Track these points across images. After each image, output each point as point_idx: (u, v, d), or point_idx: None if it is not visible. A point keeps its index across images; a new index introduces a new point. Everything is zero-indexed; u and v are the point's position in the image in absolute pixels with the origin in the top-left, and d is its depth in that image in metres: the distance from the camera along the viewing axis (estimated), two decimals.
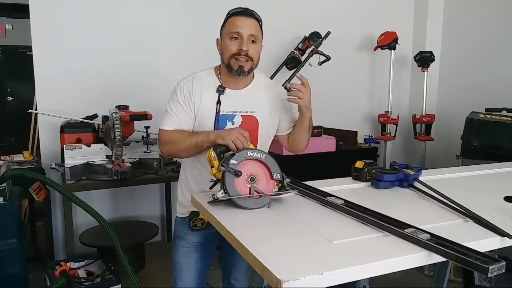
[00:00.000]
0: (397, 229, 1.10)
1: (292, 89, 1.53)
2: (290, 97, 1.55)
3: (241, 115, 1.60)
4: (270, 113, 1.66)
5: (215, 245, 1.77)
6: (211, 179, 1.45)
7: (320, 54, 3.43)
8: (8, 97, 6.04)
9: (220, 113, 1.58)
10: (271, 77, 3.24)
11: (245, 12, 1.55)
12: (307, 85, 1.54)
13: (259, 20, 1.58)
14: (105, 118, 2.71)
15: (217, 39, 1.63)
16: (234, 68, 1.54)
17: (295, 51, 3.52)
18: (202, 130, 1.58)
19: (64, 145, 2.60)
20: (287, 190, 1.41)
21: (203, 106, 1.58)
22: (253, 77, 1.66)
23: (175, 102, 1.59)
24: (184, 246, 1.70)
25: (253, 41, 1.54)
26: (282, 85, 2.47)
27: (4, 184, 2.14)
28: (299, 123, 1.68)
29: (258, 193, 1.34)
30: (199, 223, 1.54)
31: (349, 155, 3.13)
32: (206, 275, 1.79)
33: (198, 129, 1.60)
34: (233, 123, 1.59)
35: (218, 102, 1.57)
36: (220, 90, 1.58)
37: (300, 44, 3.54)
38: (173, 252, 1.75)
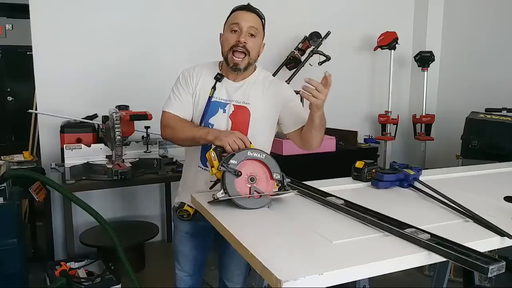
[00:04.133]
0: (397, 229, 1.10)
1: (309, 84, 1.41)
2: (304, 92, 1.43)
3: (233, 105, 1.61)
4: (264, 107, 1.63)
5: (209, 239, 1.76)
6: (209, 177, 1.45)
7: (320, 54, 3.43)
8: (8, 97, 6.02)
9: (213, 99, 1.60)
10: None
11: (247, 7, 1.60)
12: (328, 85, 1.42)
13: (261, 17, 1.61)
14: (105, 118, 2.71)
15: (220, 34, 1.65)
16: (230, 63, 1.57)
17: (295, 51, 3.52)
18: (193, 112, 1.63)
19: (64, 145, 2.61)
20: (287, 190, 1.41)
21: (199, 88, 1.62)
22: (254, 70, 1.67)
23: (178, 86, 1.65)
24: (178, 235, 1.76)
25: (252, 35, 1.56)
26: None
27: (4, 184, 2.14)
28: (309, 121, 1.56)
29: (258, 193, 1.35)
30: (185, 214, 1.63)
31: (349, 155, 3.13)
32: (203, 264, 1.82)
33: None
34: (224, 111, 1.61)
35: (213, 87, 1.61)
36: (218, 78, 1.62)
37: (300, 44, 3.53)
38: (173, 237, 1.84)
